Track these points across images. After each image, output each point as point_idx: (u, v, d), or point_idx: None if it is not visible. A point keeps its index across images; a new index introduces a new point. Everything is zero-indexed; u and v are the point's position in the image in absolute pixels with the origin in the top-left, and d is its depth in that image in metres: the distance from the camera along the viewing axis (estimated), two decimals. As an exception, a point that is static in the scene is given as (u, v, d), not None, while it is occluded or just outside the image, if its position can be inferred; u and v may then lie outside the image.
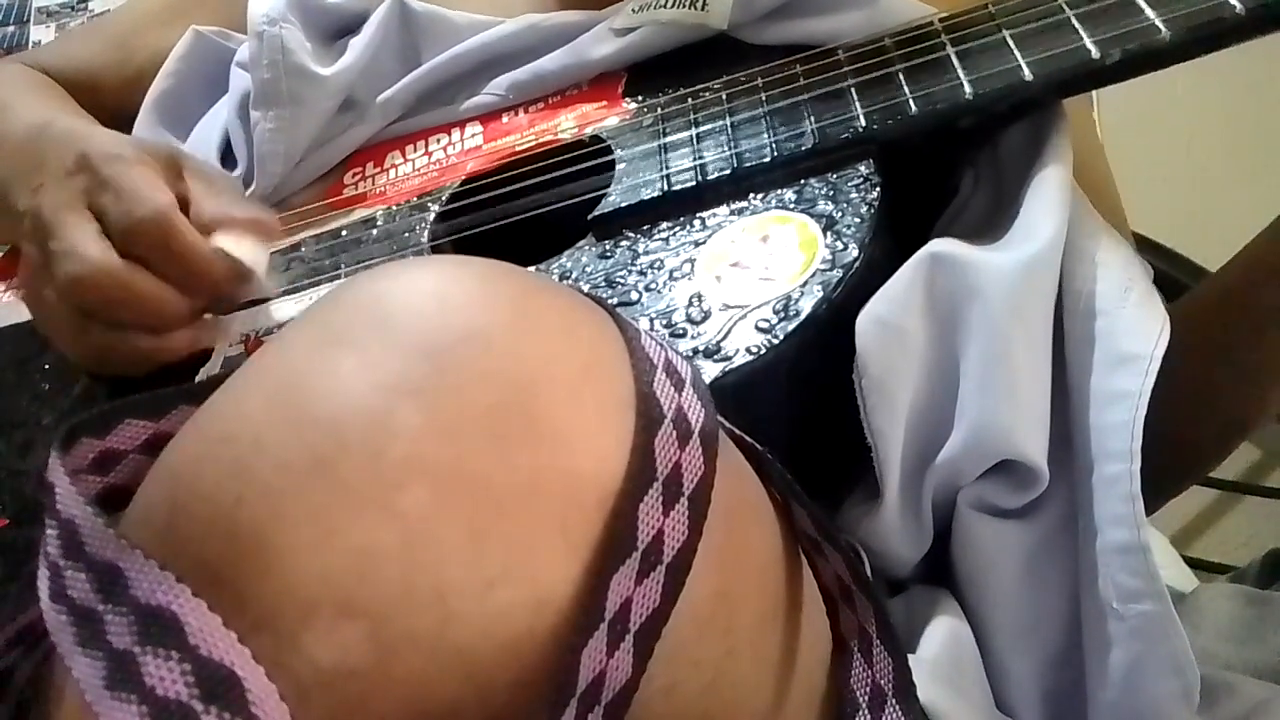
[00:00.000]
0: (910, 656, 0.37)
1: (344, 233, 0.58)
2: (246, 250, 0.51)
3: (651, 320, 0.44)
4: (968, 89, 0.47)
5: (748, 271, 0.44)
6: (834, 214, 0.46)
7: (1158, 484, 0.41)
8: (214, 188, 0.53)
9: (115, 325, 0.49)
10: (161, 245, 0.48)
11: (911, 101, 0.48)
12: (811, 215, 0.46)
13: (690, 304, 0.44)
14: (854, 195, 0.46)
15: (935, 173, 0.53)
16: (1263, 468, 1.22)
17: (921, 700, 0.35)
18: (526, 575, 0.25)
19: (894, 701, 0.34)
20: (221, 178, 0.57)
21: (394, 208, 0.59)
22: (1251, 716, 0.44)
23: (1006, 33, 0.48)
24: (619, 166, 0.53)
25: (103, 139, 0.54)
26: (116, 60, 0.71)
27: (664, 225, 0.49)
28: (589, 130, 0.56)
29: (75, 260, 0.47)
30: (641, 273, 0.47)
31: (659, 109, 0.55)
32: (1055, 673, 0.43)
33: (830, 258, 0.44)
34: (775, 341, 0.41)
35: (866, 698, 0.34)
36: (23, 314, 0.61)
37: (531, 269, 0.48)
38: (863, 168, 0.47)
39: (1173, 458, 0.47)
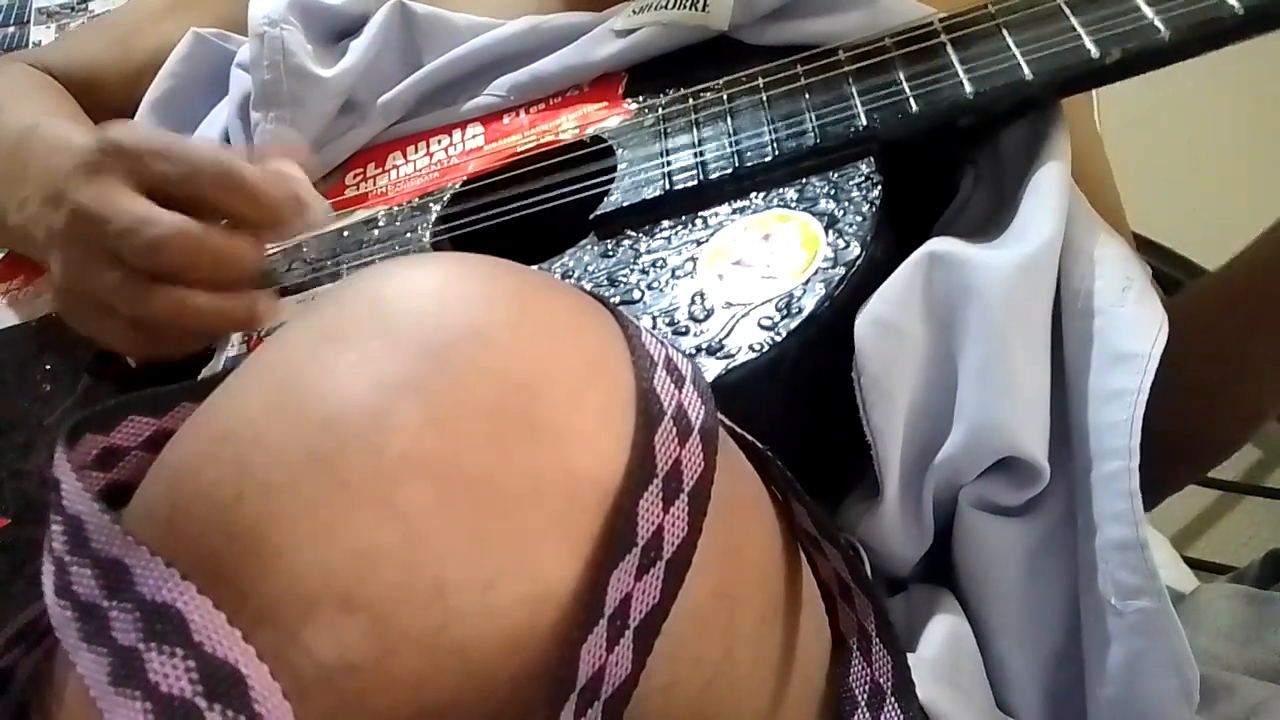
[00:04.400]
0: (910, 655, 0.37)
1: (345, 233, 0.59)
2: (291, 171, 0.51)
3: (654, 318, 0.44)
4: (968, 88, 0.47)
5: (750, 270, 0.44)
6: (836, 212, 0.46)
7: (1161, 480, 0.41)
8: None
9: (185, 289, 0.49)
10: (230, 183, 0.49)
11: (912, 100, 0.48)
12: (813, 214, 0.46)
13: (693, 302, 0.44)
14: (855, 194, 0.46)
15: (936, 171, 0.53)
16: (1263, 468, 1.22)
17: (921, 699, 0.35)
18: (527, 571, 0.25)
19: (893, 700, 0.34)
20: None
21: (395, 208, 0.59)
22: (1251, 716, 0.44)
23: (1006, 32, 0.48)
24: (620, 166, 0.53)
25: (91, 133, 0.54)
26: (117, 57, 0.71)
27: (666, 224, 0.49)
28: (590, 130, 0.56)
29: (151, 226, 0.47)
30: (644, 271, 0.47)
31: (660, 109, 0.55)
32: (1055, 670, 0.43)
33: (832, 256, 0.44)
34: (778, 339, 0.42)
35: (865, 695, 0.34)
36: (22, 316, 0.61)
37: (533, 268, 0.48)
38: (864, 166, 0.47)
39: (1179, 455, 0.47)
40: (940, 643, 0.42)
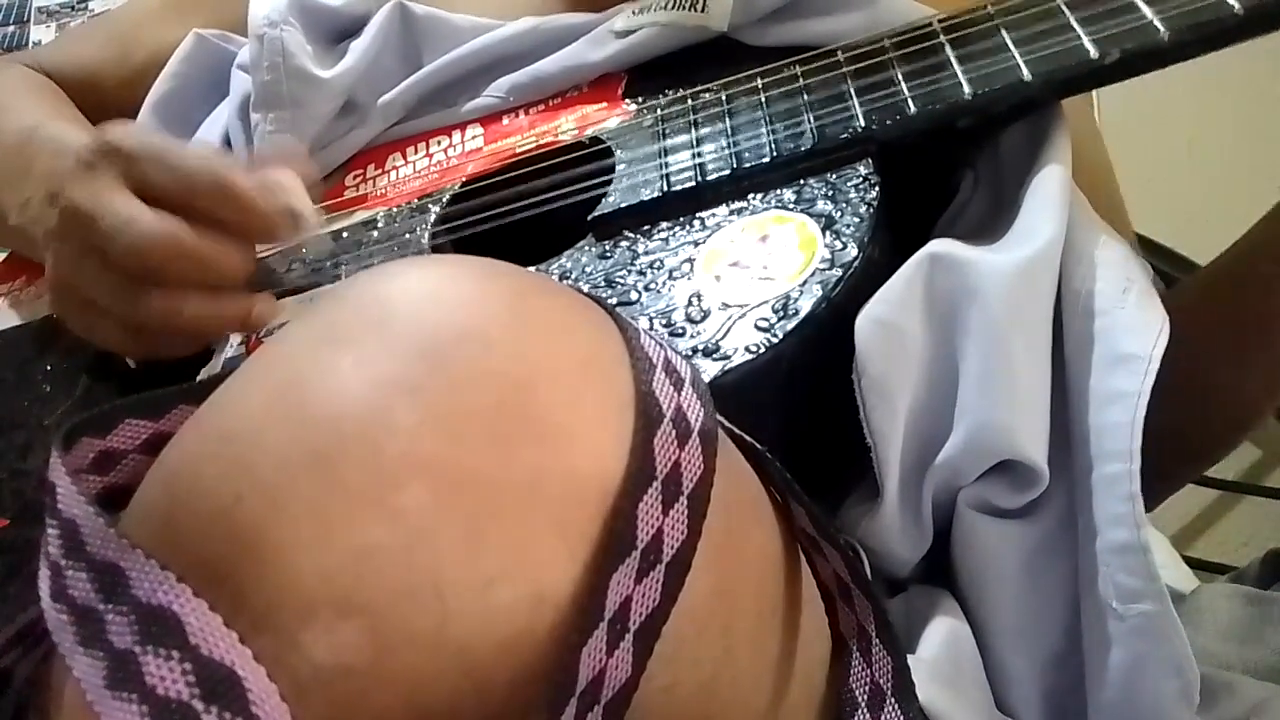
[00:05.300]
0: (909, 656, 0.37)
1: (345, 234, 0.59)
2: (287, 181, 0.50)
3: (651, 320, 0.44)
4: (966, 89, 0.47)
5: (747, 271, 0.44)
6: (833, 214, 0.46)
7: (1158, 480, 0.41)
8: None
9: (174, 292, 0.49)
10: (218, 190, 0.48)
11: (910, 101, 0.48)
12: (811, 215, 0.46)
13: (690, 303, 0.44)
14: (853, 195, 0.46)
15: (935, 173, 0.53)
16: (1263, 468, 1.22)
17: (921, 700, 0.35)
18: (526, 574, 0.25)
19: (893, 701, 0.34)
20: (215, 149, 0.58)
21: (395, 209, 0.59)
22: (1251, 716, 0.44)
23: (1005, 33, 0.48)
24: (619, 167, 0.53)
25: (90, 134, 0.54)
26: (116, 58, 0.71)
27: (663, 225, 0.49)
28: (589, 131, 0.56)
29: (136, 226, 0.47)
30: (641, 272, 0.47)
31: (659, 110, 0.55)
32: (1055, 673, 0.43)
33: (829, 257, 0.44)
34: (774, 340, 0.42)
35: (865, 697, 0.34)
36: (23, 316, 0.61)
37: (531, 269, 0.48)
38: (862, 168, 0.47)
39: (1174, 453, 0.47)
40: (940, 643, 0.42)
